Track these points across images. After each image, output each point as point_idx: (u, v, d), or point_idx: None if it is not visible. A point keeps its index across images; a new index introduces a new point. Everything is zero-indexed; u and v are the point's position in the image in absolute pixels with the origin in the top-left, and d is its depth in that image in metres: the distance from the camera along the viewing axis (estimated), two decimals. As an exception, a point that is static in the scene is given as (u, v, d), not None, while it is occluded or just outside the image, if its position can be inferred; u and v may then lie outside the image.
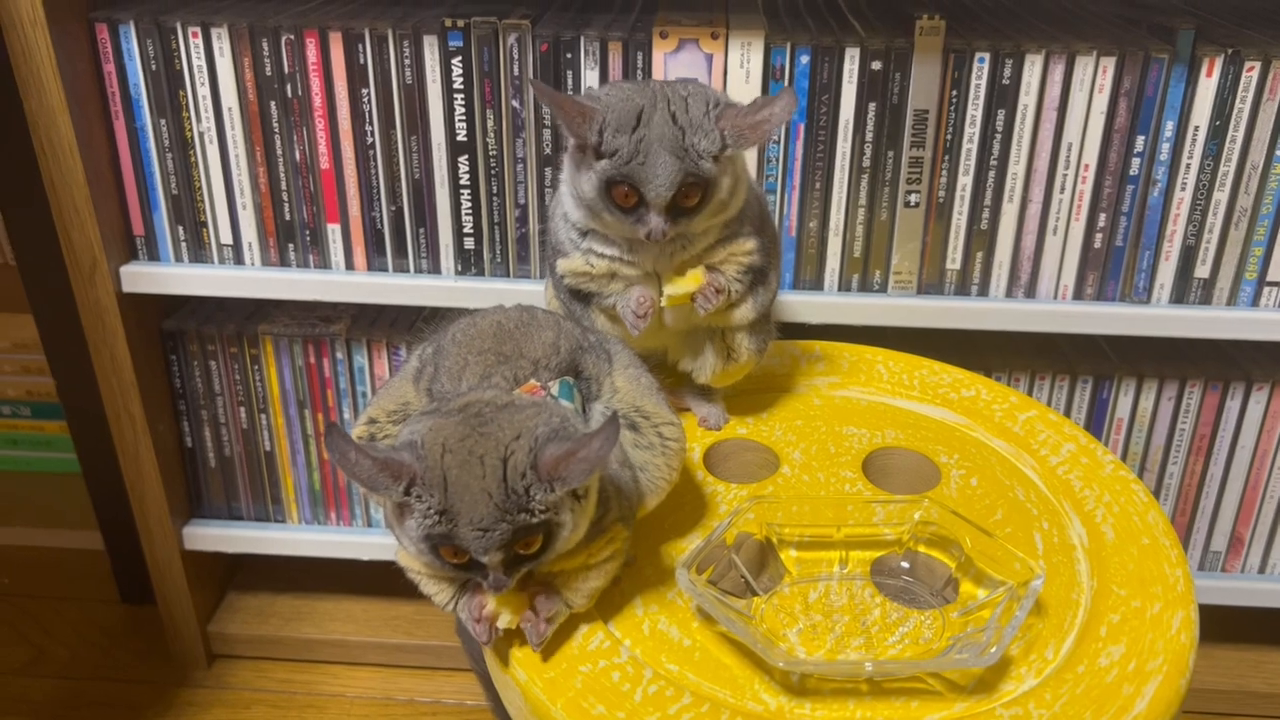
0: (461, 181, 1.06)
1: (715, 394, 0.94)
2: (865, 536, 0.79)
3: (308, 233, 1.10)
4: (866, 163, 1.03)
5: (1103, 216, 1.04)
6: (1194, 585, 0.76)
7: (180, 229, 1.10)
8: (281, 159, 1.07)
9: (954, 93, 1.00)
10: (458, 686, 1.33)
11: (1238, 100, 0.99)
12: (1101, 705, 0.66)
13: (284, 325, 1.17)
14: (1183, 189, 1.03)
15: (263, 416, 1.21)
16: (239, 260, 1.11)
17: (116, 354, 1.13)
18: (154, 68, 1.03)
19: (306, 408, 1.21)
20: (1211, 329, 1.07)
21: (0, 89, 1.03)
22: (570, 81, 1.01)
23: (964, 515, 0.76)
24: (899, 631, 0.72)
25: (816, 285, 1.09)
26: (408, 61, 1.02)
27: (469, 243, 1.09)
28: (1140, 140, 1.01)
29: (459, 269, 1.10)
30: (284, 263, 1.11)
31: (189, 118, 1.05)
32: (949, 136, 1.02)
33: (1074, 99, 1.00)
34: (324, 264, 1.11)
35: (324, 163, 1.06)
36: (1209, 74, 0.98)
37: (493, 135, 1.04)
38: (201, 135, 1.06)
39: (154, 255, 1.12)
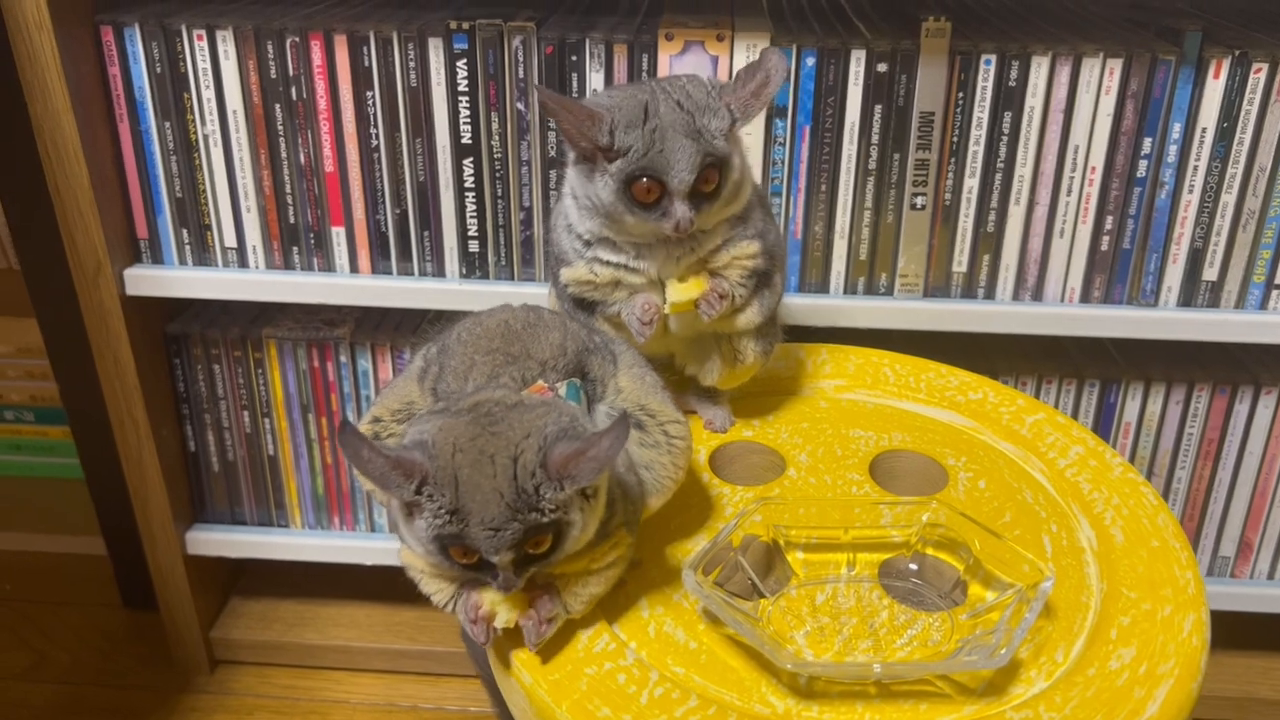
0: (466, 184, 1.06)
1: (721, 396, 0.93)
2: (873, 539, 0.78)
3: (312, 236, 1.09)
4: (872, 165, 1.03)
5: (1110, 219, 1.04)
6: (1205, 588, 0.75)
7: (184, 232, 1.10)
8: (286, 162, 1.06)
9: (960, 95, 1.00)
10: (461, 693, 1.33)
11: (1245, 102, 0.98)
12: (1112, 708, 0.65)
13: (288, 329, 1.17)
14: (1190, 191, 1.02)
15: (266, 421, 1.21)
16: (243, 263, 1.11)
17: (120, 357, 1.12)
18: (159, 70, 1.03)
19: (310, 412, 1.20)
20: (1219, 332, 1.06)
21: (5, 92, 1.03)
22: (575, 84, 1.01)
23: (972, 517, 0.75)
24: (907, 634, 0.71)
25: (822, 288, 1.08)
26: (412, 64, 1.02)
27: (473, 245, 1.09)
28: (1147, 142, 1.01)
29: (463, 272, 1.10)
30: (288, 266, 1.11)
31: (193, 120, 1.05)
32: (955, 139, 1.02)
33: (1080, 101, 0.99)
34: (328, 267, 1.11)
35: (328, 165, 1.06)
36: (1216, 76, 0.98)
37: (497, 138, 1.04)
38: (206, 138, 1.06)
39: (158, 258, 1.11)
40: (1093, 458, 0.88)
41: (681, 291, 0.82)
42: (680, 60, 0.99)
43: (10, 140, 1.10)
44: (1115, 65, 0.98)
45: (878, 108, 1.01)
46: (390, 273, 1.10)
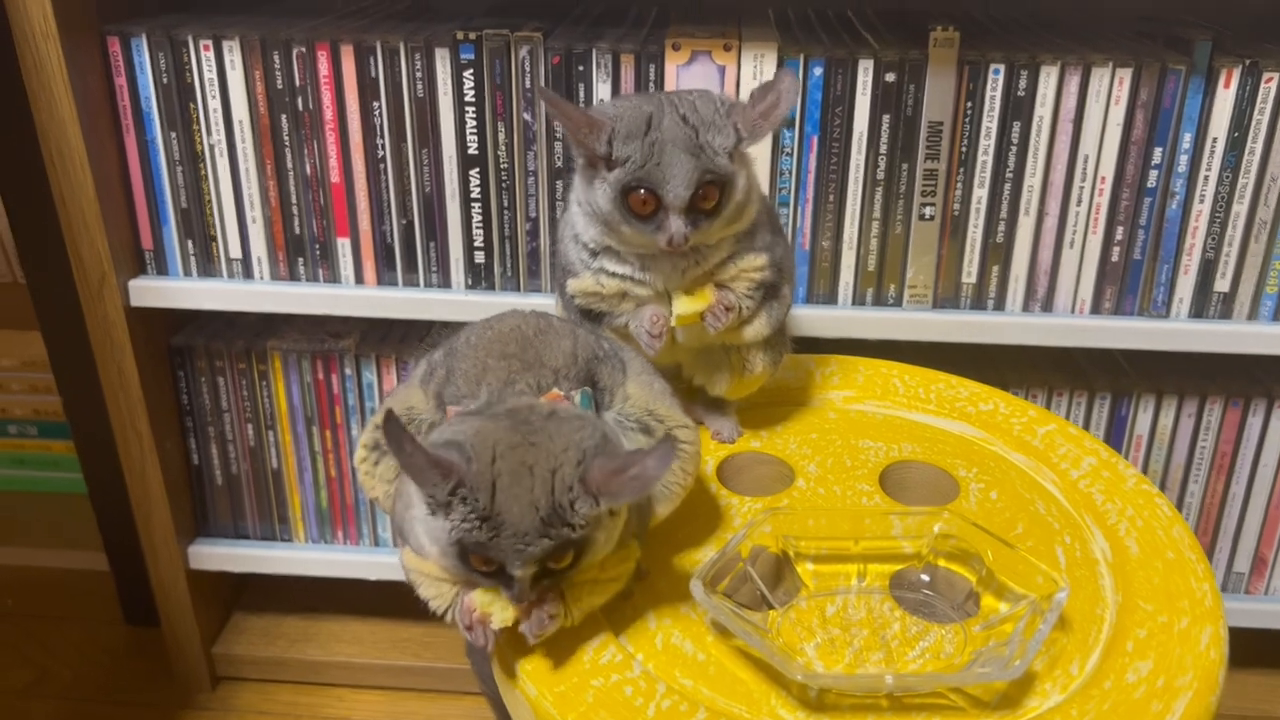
0: (472, 195, 1.06)
1: (728, 407, 0.92)
2: (884, 550, 0.77)
3: (317, 247, 1.09)
4: (880, 175, 1.02)
5: (1120, 229, 1.03)
6: (1222, 601, 0.74)
7: (189, 243, 1.10)
8: (292, 172, 1.06)
9: (969, 104, 0.99)
10: (465, 710, 1.31)
11: (1256, 111, 0.98)
12: (1130, 721, 0.64)
13: (292, 341, 1.16)
14: (1201, 201, 1.01)
15: (270, 434, 1.20)
16: (248, 275, 1.11)
17: (124, 369, 1.12)
18: (165, 81, 1.03)
19: (315, 425, 1.20)
20: (1232, 344, 1.05)
21: (12, 104, 1.03)
22: (582, 94, 1.01)
23: (984, 527, 0.74)
24: (919, 646, 0.70)
25: (830, 299, 1.08)
26: (419, 74, 1.01)
27: (479, 256, 1.08)
28: (1158, 152, 1.00)
29: (469, 283, 1.09)
30: (293, 277, 1.10)
31: (199, 131, 1.05)
32: (964, 149, 1.01)
33: (1090, 110, 0.99)
34: (333, 278, 1.10)
35: (334, 176, 1.06)
36: (1227, 85, 0.97)
37: (504, 148, 1.04)
38: (212, 148, 1.06)
39: (162, 269, 1.11)
40: (1106, 469, 0.87)
41: (688, 304, 0.81)
42: (687, 70, 0.99)
43: (17, 152, 1.10)
44: (1125, 75, 0.97)
45: (886, 117, 1.00)
46: (395, 284, 1.10)
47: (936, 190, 1.02)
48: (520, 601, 0.63)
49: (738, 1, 1.17)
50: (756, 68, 0.98)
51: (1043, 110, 0.99)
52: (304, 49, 1.01)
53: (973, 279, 1.06)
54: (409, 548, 0.67)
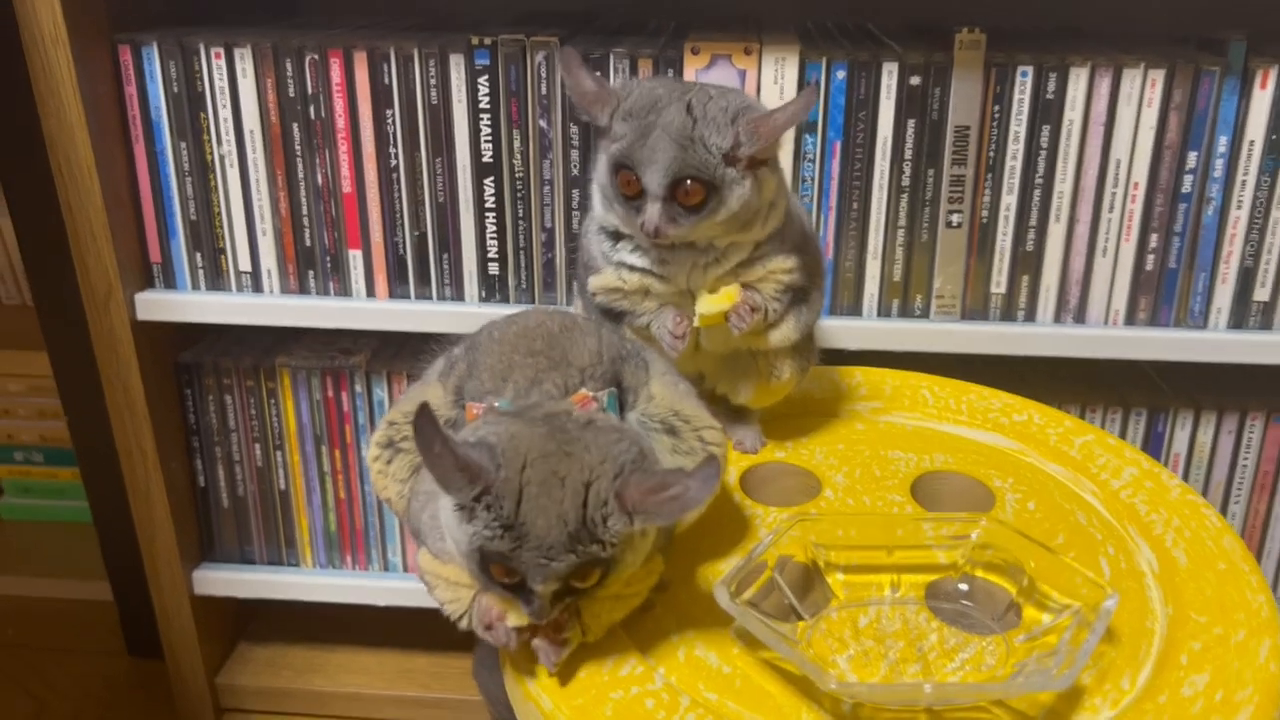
0: (487, 204, 1.03)
1: (751, 416, 0.89)
2: (918, 560, 0.73)
3: (328, 259, 1.07)
4: (906, 182, 1.00)
5: (1154, 237, 1.00)
6: (1280, 612, 0.70)
7: (198, 255, 1.07)
8: (303, 183, 1.04)
9: (996, 108, 0.97)
10: (476, 743, 1.27)
11: (1294, 113, 0.95)
12: (1189, 737, 0.59)
13: (302, 357, 1.14)
14: (1239, 207, 0.98)
15: (278, 454, 1.17)
16: (257, 288, 1.08)
17: (129, 386, 1.09)
18: (175, 90, 1.02)
19: (324, 444, 1.16)
20: (1274, 355, 1.01)
21: (20, 109, 1.01)
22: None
23: (1026, 533, 0.70)
24: (959, 658, 0.66)
25: (855, 310, 1.04)
26: (433, 81, 0.99)
27: (493, 268, 1.05)
28: (1192, 156, 0.97)
29: (483, 295, 1.06)
30: (303, 290, 1.08)
31: (209, 140, 1.03)
32: (992, 154, 0.98)
33: (1122, 114, 0.96)
34: (344, 291, 1.08)
35: (346, 186, 1.04)
36: (1263, 86, 0.94)
37: (519, 156, 1.01)
38: (222, 158, 1.04)
39: (170, 283, 1.09)
40: (1148, 479, 0.83)
41: (712, 303, 0.78)
42: (706, 74, 0.97)
43: (26, 161, 1.08)
44: (1157, 76, 0.95)
45: (911, 122, 0.98)
46: (408, 297, 1.07)
47: (964, 197, 0.99)
48: (539, 619, 0.59)
49: (758, 13, 1.16)
50: (778, 71, 0.96)
51: (1073, 114, 0.96)
52: (316, 56, 0.99)
53: (1002, 289, 1.03)
54: (425, 549, 0.64)
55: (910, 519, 0.75)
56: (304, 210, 1.05)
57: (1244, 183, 0.97)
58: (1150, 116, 0.96)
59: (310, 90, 1.01)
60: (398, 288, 1.07)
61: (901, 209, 1.01)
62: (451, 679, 1.30)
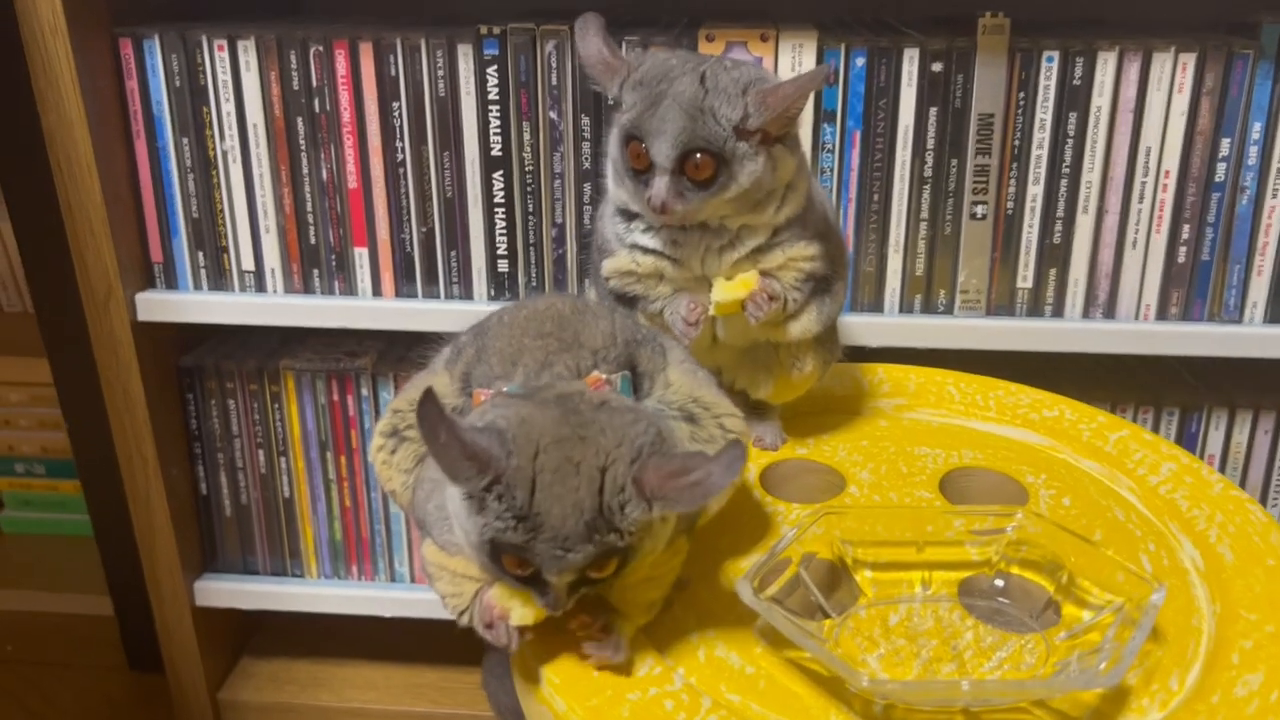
0: (496, 199, 1.00)
1: (772, 412, 0.85)
2: (950, 557, 0.69)
3: (333, 257, 1.04)
4: (928, 172, 0.97)
5: (1186, 228, 0.97)
6: (1335, 608, 0.66)
7: (200, 254, 1.05)
8: (307, 178, 1.01)
9: (1021, 95, 0.94)
10: (486, 761, 1.23)
11: (1331, 98, 0.92)
12: (1246, 738, 0.56)
13: (306, 360, 1.11)
14: (1274, 196, 0.95)
15: (282, 460, 1.14)
16: (261, 288, 1.05)
17: (130, 390, 1.06)
18: (178, 84, 0.99)
19: (329, 450, 1.13)
20: (1312, 350, 0.98)
21: (19, 103, 0.99)
22: (608, 97, 0.96)
23: (1065, 526, 0.67)
24: (996, 656, 0.62)
25: (876, 306, 1.01)
26: (441, 72, 0.97)
27: (503, 265, 1.02)
28: (1225, 143, 0.94)
29: (492, 293, 1.03)
30: (308, 290, 1.05)
31: (212, 136, 1.01)
32: (1017, 142, 0.95)
33: (1151, 100, 0.93)
34: (350, 290, 1.05)
35: (352, 182, 1.01)
36: (1299, 70, 0.91)
37: (529, 149, 0.99)
38: (225, 154, 1.01)
39: (172, 283, 1.06)
40: (1187, 474, 0.80)
41: (728, 290, 0.75)
42: (722, 63, 0.94)
43: (26, 172, 1.06)
44: (1188, 60, 0.92)
45: (933, 110, 0.95)
46: (415, 295, 1.04)
47: (988, 187, 0.96)
48: (554, 610, 0.56)
49: (773, 7, 1.13)
50: (795, 58, 0.93)
51: (1100, 100, 0.93)
52: (321, 47, 0.97)
53: (1029, 283, 0.99)
54: (430, 540, 0.61)
55: (941, 513, 0.72)
56: (308, 207, 1.02)
57: None
58: (1181, 102, 0.93)
59: (315, 83, 0.98)
60: (404, 286, 1.04)
61: (924, 201, 0.97)
62: (461, 694, 1.26)
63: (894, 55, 0.94)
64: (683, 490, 0.53)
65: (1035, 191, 0.96)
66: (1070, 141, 0.95)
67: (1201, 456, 1.05)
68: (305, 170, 1.01)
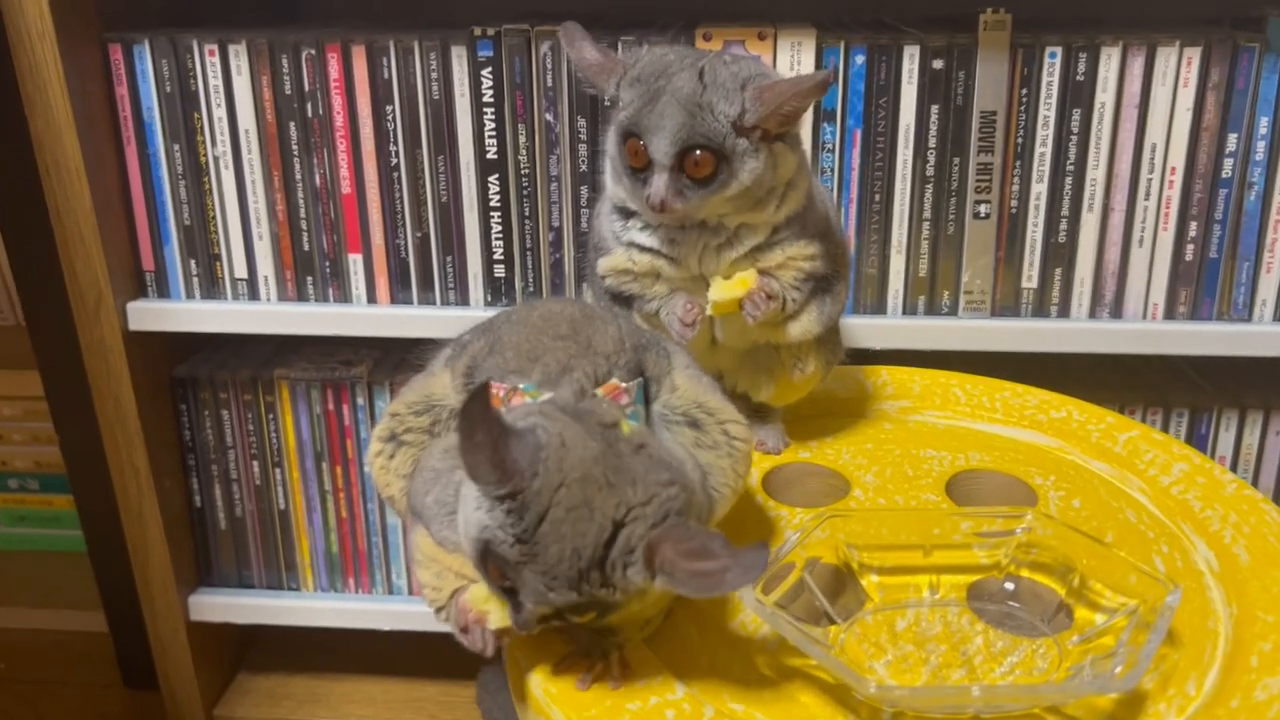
0: (491, 203, 0.99)
1: (773, 414, 0.84)
2: (958, 561, 0.68)
3: (327, 264, 1.02)
4: (930, 171, 0.95)
5: (1194, 225, 0.95)
6: (1356, 610, 0.64)
7: (192, 263, 1.03)
8: (300, 184, 1.00)
9: (1024, 92, 0.92)
10: (486, 776, 1.20)
11: (1339, 91, 0.90)
12: (1268, 743, 0.54)
13: (301, 369, 1.09)
14: (1283, 192, 0.93)
15: (277, 471, 1.12)
16: (254, 295, 1.04)
17: (121, 400, 1.05)
18: (168, 89, 0.98)
19: (324, 460, 1.12)
20: (1324, 349, 0.96)
21: (6, 110, 0.97)
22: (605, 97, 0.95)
23: (1076, 527, 0.65)
24: (1007, 661, 0.60)
25: (878, 308, 1.00)
26: (434, 75, 0.96)
27: (499, 270, 1.01)
28: (1232, 139, 0.92)
29: (489, 299, 1.02)
30: (301, 297, 1.04)
31: (203, 142, 0.99)
32: (1020, 140, 0.94)
33: (1156, 95, 0.92)
34: (344, 297, 1.03)
35: (345, 187, 1.00)
36: (1306, 63, 0.90)
37: (525, 152, 0.97)
38: (216, 160, 1.00)
39: (164, 292, 1.05)
40: (1199, 475, 0.78)
41: (725, 290, 0.73)
42: (719, 62, 0.93)
43: (16, 180, 1.04)
44: (1193, 55, 0.90)
45: (934, 108, 0.93)
46: (411, 302, 1.03)
47: (991, 186, 0.95)
48: (522, 630, 0.54)
49: (771, 8, 1.12)
50: (794, 57, 0.92)
51: (1104, 96, 0.92)
52: (313, 51, 0.96)
53: (1034, 283, 0.98)
54: (421, 528, 0.59)
55: (948, 516, 0.70)
56: (302, 213, 1.01)
57: (1288, 166, 0.93)
58: (1186, 97, 0.91)
59: (307, 87, 0.97)
60: (400, 292, 1.03)
61: (926, 200, 0.96)
62: (461, 708, 1.24)
63: (894, 53, 0.92)
64: (692, 575, 0.50)
65: (1039, 190, 0.95)
66: (1074, 139, 0.93)
67: (1212, 458, 1.03)
68: (298, 176, 1.00)
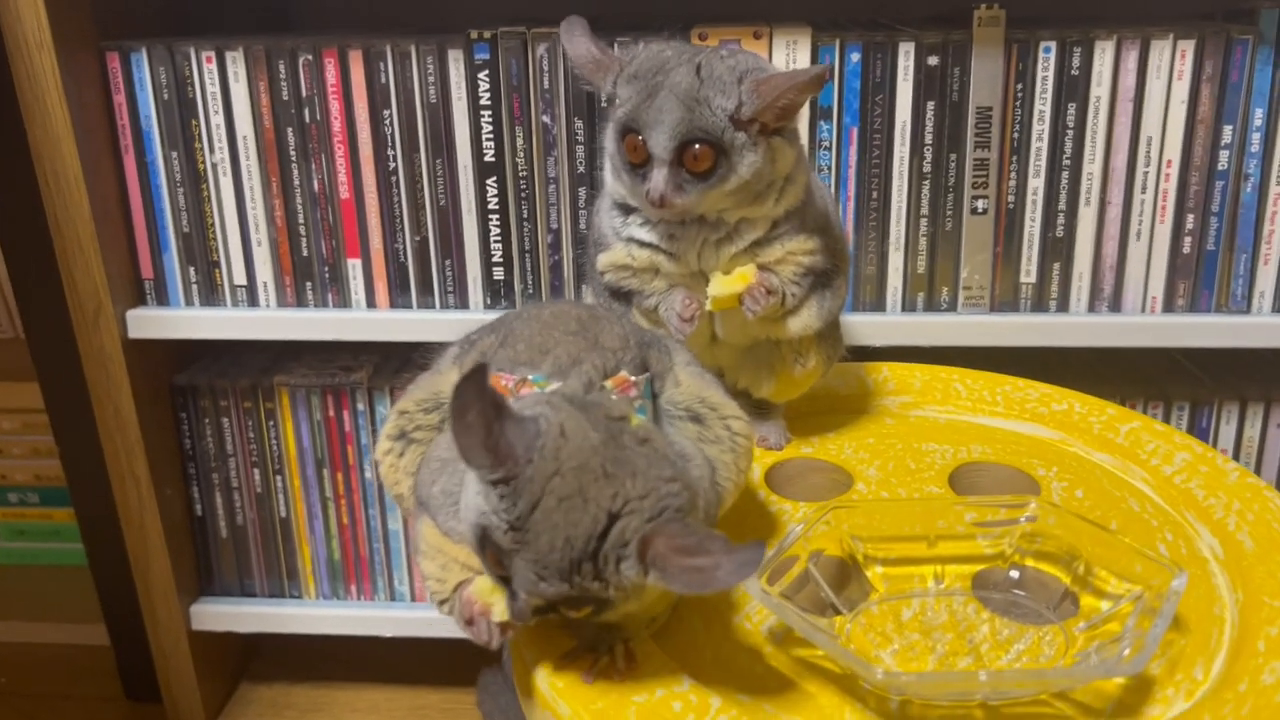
0: (490, 206, 0.99)
1: (775, 410, 0.84)
2: (962, 551, 0.67)
3: (326, 269, 1.02)
4: (927, 168, 0.95)
5: (1191, 218, 0.95)
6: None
7: (191, 270, 1.03)
8: (299, 189, 1.00)
9: (1019, 87, 0.93)
10: (491, 783, 1.20)
11: (1333, 82, 0.91)
12: (1278, 725, 0.54)
13: (301, 375, 1.09)
14: (1279, 183, 0.93)
15: (278, 478, 1.12)
16: (253, 302, 1.04)
17: (121, 408, 1.04)
18: (166, 97, 0.98)
19: (325, 467, 1.11)
20: (1323, 339, 0.96)
21: (4, 120, 0.98)
22: (601, 96, 0.95)
23: (1080, 514, 0.65)
24: (1014, 649, 0.60)
25: (878, 305, 1.00)
26: (431, 78, 0.96)
27: (498, 273, 1.01)
28: (1228, 131, 0.93)
29: (488, 302, 1.02)
30: (301, 303, 1.04)
31: (201, 149, 1.00)
32: (1016, 135, 0.94)
33: (1151, 88, 0.92)
34: (344, 302, 1.03)
35: (344, 192, 1.00)
36: (1299, 54, 0.90)
37: (522, 154, 0.97)
38: (215, 167, 1.00)
39: (163, 299, 1.04)
40: (1202, 464, 0.78)
41: (724, 285, 0.73)
42: (715, 62, 0.93)
43: (14, 189, 1.04)
44: (1187, 48, 0.90)
45: (930, 104, 0.94)
46: (410, 306, 1.03)
47: (988, 181, 0.95)
48: (519, 621, 0.54)
49: (768, 12, 1.12)
50: (790, 55, 0.92)
51: (1099, 90, 0.92)
52: (310, 57, 0.96)
53: (1032, 278, 0.98)
54: (427, 518, 0.59)
55: (952, 506, 0.69)
56: (300, 219, 1.01)
57: (1283, 157, 0.93)
58: (1181, 90, 0.92)
59: (305, 93, 0.97)
60: (399, 297, 1.03)
61: (923, 196, 0.96)
62: (466, 715, 1.23)
63: (889, 50, 0.92)
64: (684, 570, 0.49)
65: (1036, 184, 0.95)
66: (1070, 133, 0.93)
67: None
68: (296, 181, 1.00)
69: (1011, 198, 0.96)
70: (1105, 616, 0.62)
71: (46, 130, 0.94)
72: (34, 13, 0.90)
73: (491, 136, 0.97)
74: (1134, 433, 0.83)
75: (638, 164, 0.69)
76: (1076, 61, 0.91)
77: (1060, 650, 0.60)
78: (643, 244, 0.73)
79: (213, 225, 1.02)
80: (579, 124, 0.96)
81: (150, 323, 1.03)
